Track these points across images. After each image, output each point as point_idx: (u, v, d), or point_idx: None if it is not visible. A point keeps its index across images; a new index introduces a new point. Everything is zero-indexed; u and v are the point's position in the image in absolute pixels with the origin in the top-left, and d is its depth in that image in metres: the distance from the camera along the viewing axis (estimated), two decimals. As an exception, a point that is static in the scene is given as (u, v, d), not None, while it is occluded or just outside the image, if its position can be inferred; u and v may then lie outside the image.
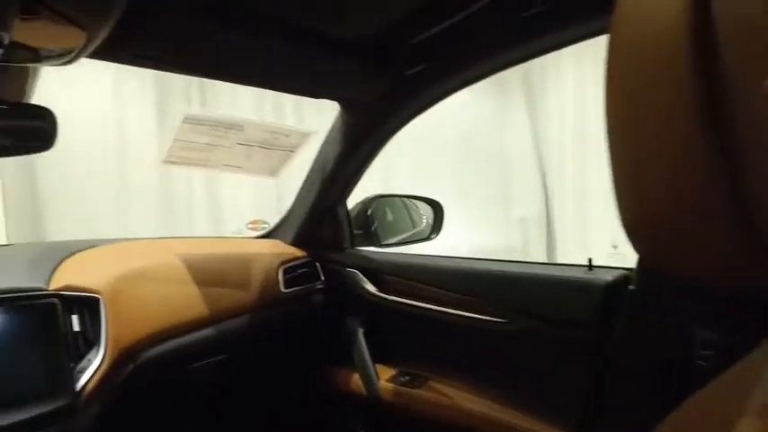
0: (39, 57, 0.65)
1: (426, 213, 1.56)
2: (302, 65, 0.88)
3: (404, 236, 1.45)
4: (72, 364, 0.89)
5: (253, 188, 3.22)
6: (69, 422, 0.87)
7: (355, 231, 1.35)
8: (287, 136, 1.14)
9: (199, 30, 0.73)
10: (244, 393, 1.37)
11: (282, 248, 1.35)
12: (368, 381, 1.19)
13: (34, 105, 0.75)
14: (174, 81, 3.01)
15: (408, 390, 1.13)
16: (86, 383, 0.89)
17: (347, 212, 1.33)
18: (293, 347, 1.37)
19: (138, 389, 1.03)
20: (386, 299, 1.19)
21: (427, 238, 1.46)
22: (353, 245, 1.34)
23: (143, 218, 2.87)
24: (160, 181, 2.96)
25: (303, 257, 1.34)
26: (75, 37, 0.61)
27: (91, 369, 0.90)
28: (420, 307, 1.11)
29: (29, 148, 0.79)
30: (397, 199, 1.60)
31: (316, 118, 2.87)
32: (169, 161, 1.12)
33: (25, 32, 0.56)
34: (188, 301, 1.10)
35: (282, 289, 1.26)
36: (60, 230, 2.60)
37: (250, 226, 1.58)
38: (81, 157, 2.68)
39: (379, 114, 1.07)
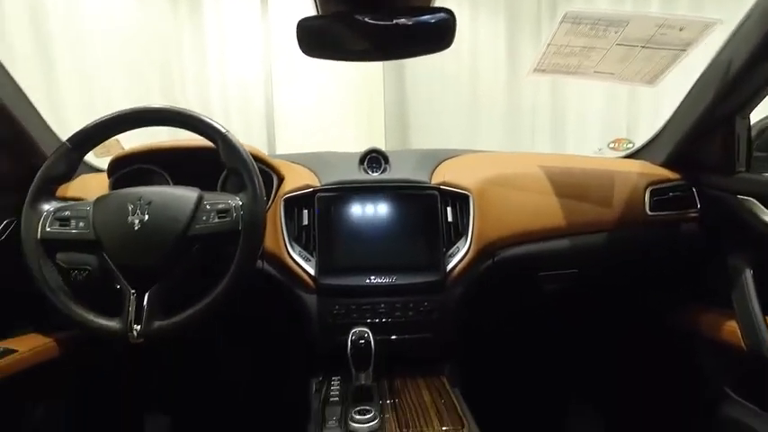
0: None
1: None
2: None
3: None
4: (444, 249, 1.03)
5: (602, 102, 2.99)
6: (440, 295, 1.02)
7: (756, 154, 1.07)
8: (680, 30, 0.94)
9: None
10: (587, 311, 1.34)
11: (651, 169, 1.19)
12: (752, 333, 0.97)
13: (437, 7, 0.82)
14: (523, 11, 2.99)
15: None
16: (454, 267, 1.02)
17: (749, 128, 1.06)
18: (650, 275, 1.24)
19: (493, 284, 1.11)
20: None
21: None
22: (749, 168, 1.07)
23: (489, 132, 3.04)
24: (507, 99, 3.05)
25: (676, 180, 1.15)
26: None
27: (458, 256, 1.03)
28: None
29: (430, 48, 0.87)
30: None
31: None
32: (539, 70, 1.09)
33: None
34: (546, 211, 1.10)
35: (648, 211, 1.12)
36: (418, 140, 3.03)
37: (612, 145, 1.45)
38: (436, 78, 2.99)
39: None
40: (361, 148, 1.16)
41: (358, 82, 2.86)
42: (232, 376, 1.49)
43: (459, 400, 0.90)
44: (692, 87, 1.10)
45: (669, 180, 1.15)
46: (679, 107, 1.15)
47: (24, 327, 1.08)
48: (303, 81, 2.80)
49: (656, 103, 2.83)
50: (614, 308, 1.36)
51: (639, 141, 1.34)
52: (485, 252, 1.06)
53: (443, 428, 0.81)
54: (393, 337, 0.99)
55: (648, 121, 2.90)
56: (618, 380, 1.41)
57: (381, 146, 1.16)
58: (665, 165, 1.19)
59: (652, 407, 1.31)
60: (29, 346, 1.01)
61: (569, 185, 1.13)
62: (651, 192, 1.13)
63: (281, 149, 2.79)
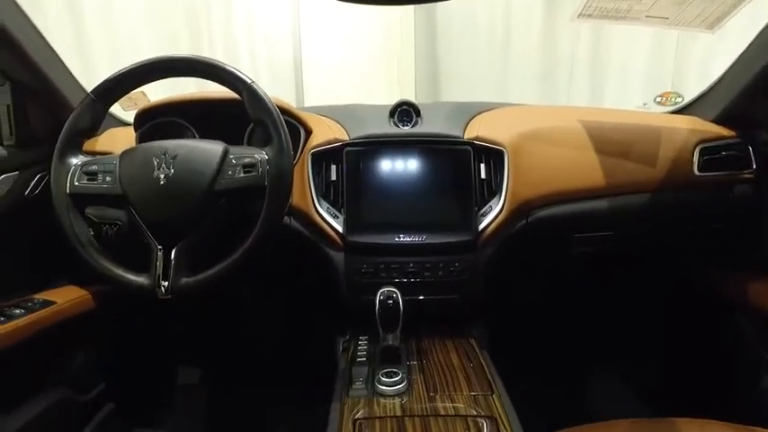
0: None
1: None
2: None
3: None
4: (476, 208, 0.99)
5: (645, 54, 2.80)
6: (471, 255, 0.99)
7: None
8: (749, -34, 0.84)
9: None
10: (622, 274, 1.29)
11: (701, 125, 1.11)
12: None
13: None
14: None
15: None
16: (486, 227, 0.98)
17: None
18: (694, 238, 1.17)
19: (525, 244, 1.07)
20: None
21: None
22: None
23: (523, 83, 2.90)
24: (543, 49, 2.89)
25: (730, 137, 1.07)
26: None
27: (491, 215, 0.99)
28: None
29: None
30: None
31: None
32: (585, 15, 1.01)
33: None
34: (585, 169, 1.05)
35: (696, 171, 1.05)
36: (449, 92, 2.92)
37: (659, 99, 1.36)
38: (469, 27, 2.85)
39: None
40: (391, 99, 1.11)
41: (389, 32, 2.76)
42: (261, 330, 1.52)
43: (487, 363, 0.88)
44: (758, 35, 1.00)
45: (722, 137, 1.07)
46: (740, 57, 1.05)
47: (62, 279, 1.11)
48: (332, 31, 2.72)
49: (707, 57, 2.63)
50: (651, 271, 1.30)
51: (687, 97, 1.25)
52: (519, 211, 1.02)
53: (472, 393, 0.79)
54: (421, 297, 0.97)
55: (697, 76, 2.71)
56: (652, 345, 1.38)
57: (411, 98, 1.11)
58: (719, 121, 1.10)
59: (685, 372, 1.27)
60: (66, 297, 1.04)
61: (611, 142, 1.07)
62: (701, 150, 1.05)
63: (310, 102, 2.74)
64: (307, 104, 2.70)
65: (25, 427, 0.96)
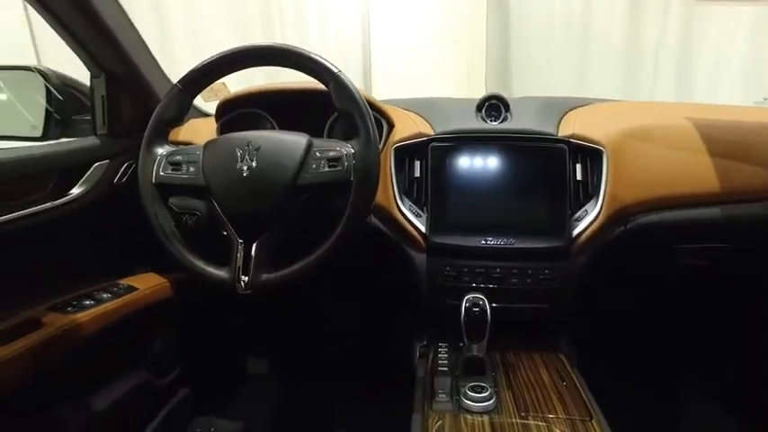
0: None
1: None
2: None
3: None
4: (570, 212, 0.92)
5: (745, 44, 2.54)
6: (563, 263, 0.91)
7: None
8: None
9: None
10: (733, 294, 1.16)
11: None
12: None
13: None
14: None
15: None
16: (581, 232, 0.91)
17: None
18: None
19: (622, 253, 0.98)
20: None
21: None
22: None
23: (601, 76, 2.73)
24: (625, 37, 2.69)
25: None
26: None
27: (587, 220, 0.91)
28: None
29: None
30: None
31: None
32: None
33: None
34: (696, 172, 0.94)
35: None
36: (521, 84, 2.78)
37: (784, 93, 1.21)
38: (544, 14, 2.70)
39: None
40: (460, 90, 1.05)
41: (459, 19, 2.66)
42: (336, 326, 1.50)
43: (581, 384, 0.81)
44: None
45: None
46: None
47: (141, 265, 1.14)
48: (401, 20, 2.67)
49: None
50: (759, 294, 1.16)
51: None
52: (617, 217, 0.93)
53: (568, 417, 0.73)
54: (506, 305, 0.91)
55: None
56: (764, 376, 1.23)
57: (480, 89, 1.03)
58: None
59: None
60: (146, 284, 1.06)
61: (725, 142, 0.95)
62: None
63: (377, 91, 2.71)
64: (374, 94, 2.68)
65: (110, 407, 0.99)
